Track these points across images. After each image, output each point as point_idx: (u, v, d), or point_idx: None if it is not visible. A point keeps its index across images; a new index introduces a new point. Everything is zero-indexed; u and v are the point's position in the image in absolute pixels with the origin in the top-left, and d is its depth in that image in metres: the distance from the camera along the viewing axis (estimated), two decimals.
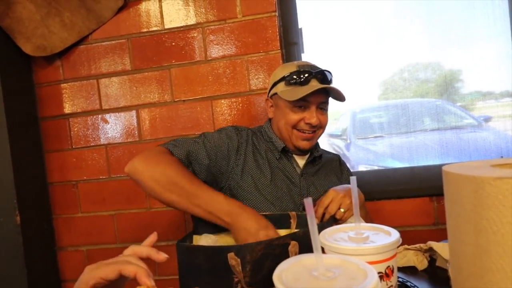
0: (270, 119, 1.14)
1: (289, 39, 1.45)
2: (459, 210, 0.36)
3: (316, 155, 1.12)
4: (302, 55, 1.47)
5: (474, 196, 0.33)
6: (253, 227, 0.79)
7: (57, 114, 1.57)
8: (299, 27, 1.47)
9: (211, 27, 1.44)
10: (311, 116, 1.01)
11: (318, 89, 0.98)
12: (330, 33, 1.55)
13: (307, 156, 1.12)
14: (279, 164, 1.07)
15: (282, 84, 1.05)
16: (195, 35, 1.45)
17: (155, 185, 0.87)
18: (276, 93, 1.07)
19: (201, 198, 0.84)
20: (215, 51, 1.44)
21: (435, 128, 1.53)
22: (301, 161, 1.11)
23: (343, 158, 1.24)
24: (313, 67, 1.05)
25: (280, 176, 1.04)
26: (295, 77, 1.01)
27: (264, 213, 0.87)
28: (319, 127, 1.05)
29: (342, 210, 0.88)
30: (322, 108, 1.05)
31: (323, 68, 1.05)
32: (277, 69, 1.11)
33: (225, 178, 1.01)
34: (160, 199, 0.89)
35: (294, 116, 1.03)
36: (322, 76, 1.01)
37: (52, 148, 1.58)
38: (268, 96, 1.12)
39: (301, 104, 1.02)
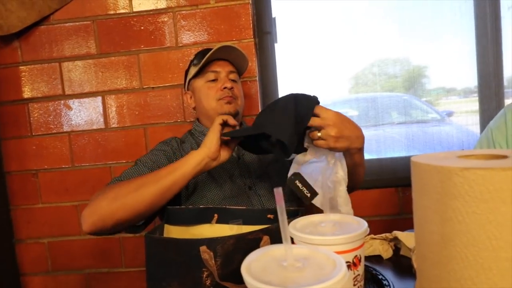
0: (197, 119, 1.17)
1: (263, 28, 1.43)
2: (426, 200, 0.36)
3: None
4: (275, 45, 1.45)
5: (441, 186, 0.34)
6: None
7: (15, 99, 1.47)
8: (273, 16, 1.45)
9: (183, 12, 1.39)
10: (224, 81, 1.07)
11: (222, 57, 1.09)
12: (303, 25, 1.55)
13: None
14: None
15: (191, 68, 1.12)
16: (166, 19, 1.40)
17: (116, 202, 0.84)
18: (190, 80, 1.14)
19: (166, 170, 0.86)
20: (186, 37, 1.40)
21: (402, 122, 1.57)
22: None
23: None
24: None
25: (217, 171, 1.04)
26: (198, 52, 1.13)
27: (241, 207, 0.86)
28: (236, 96, 1.09)
29: (319, 134, 0.82)
30: (233, 79, 1.10)
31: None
32: None
33: None
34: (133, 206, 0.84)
35: (211, 90, 1.08)
36: (224, 47, 1.06)
37: (9, 135, 1.48)
38: (185, 90, 1.17)
39: (212, 77, 1.09)
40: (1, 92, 1.47)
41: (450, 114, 1.61)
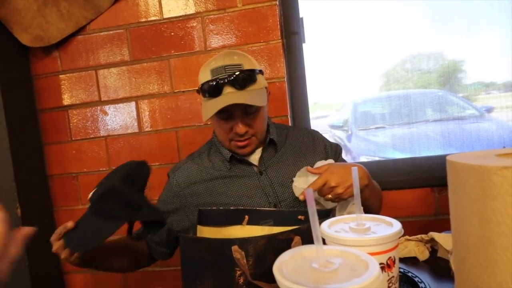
0: None
1: (290, 29, 1.43)
2: (463, 201, 0.35)
3: (264, 146, 1.05)
4: (303, 45, 1.44)
5: (479, 186, 0.32)
6: None
7: (55, 106, 1.56)
8: (300, 16, 1.44)
9: (211, 16, 1.42)
10: (235, 125, 0.95)
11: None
12: (331, 23, 1.53)
13: (260, 149, 1.05)
14: (231, 173, 1.04)
15: (201, 95, 1.00)
16: (195, 24, 1.43)
17: None
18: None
19: None
20: (215, 41, 1.42)
21: (437, 119, 1.51)
22: (256, 156, 1.05)
23: (344, 150, 1.21)
24: (228, 67, 0.93)
25: (237, 187, 1.01)
26: (206, 89, 0.95)
27: (271, 209, 0.87)
28: (254, 134, 0.99)
29: (330, 196, 0.86)
30: (249, 112, 0.95)
31: (241, 66, 0.93)
32: (200, 70, 1.01)
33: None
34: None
35: (223, 130, 0.98)
36: (234, 80, 0.92)
37: (51, 140, 1.57)
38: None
39: (223, 116, 0.95)
40: (43, 100, 1.56)
41: (489, 109, 1.52)
